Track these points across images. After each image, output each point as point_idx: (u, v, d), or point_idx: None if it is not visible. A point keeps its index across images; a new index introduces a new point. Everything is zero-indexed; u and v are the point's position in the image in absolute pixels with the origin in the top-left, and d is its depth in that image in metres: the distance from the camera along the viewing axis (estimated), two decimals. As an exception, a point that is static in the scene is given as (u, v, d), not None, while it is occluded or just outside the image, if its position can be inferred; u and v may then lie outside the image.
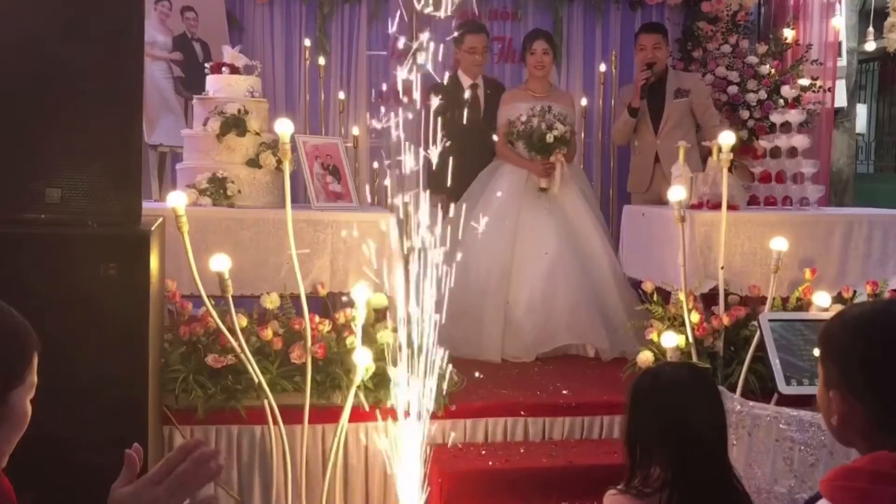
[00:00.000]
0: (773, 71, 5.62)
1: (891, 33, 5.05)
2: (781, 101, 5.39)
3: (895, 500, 1.24)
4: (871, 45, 5.45)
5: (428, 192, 3.14)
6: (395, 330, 3.31)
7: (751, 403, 2.11)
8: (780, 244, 3.43)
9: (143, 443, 2.58)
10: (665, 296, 3.90)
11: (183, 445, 1.21)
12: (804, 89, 5.45)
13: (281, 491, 3.26)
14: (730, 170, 3.82)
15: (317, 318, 3.38)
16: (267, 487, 3.32)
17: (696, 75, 5.45)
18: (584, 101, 5.70)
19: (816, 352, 1.50)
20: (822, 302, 3.50)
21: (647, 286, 3.88)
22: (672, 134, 4.86)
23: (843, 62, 6.27)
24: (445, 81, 4.54)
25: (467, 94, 5.06)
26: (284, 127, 3.10)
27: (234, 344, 3.15)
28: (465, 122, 4.19)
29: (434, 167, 3.24)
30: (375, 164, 5.39)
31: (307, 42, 5.61)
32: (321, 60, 5.53)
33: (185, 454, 1.20)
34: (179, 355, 3.34)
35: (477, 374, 3.88)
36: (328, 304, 3.64)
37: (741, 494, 1.92)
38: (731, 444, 2.01)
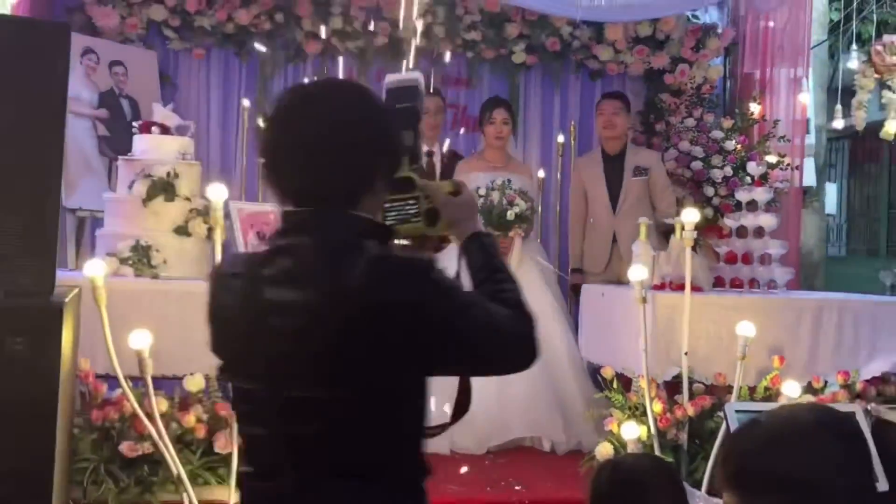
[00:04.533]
0: (738, 146, 5.81)
1: (858, 111, 5.29)
2: (748, 178, 5.56)
3: None
4: (839, 123, 5.68)
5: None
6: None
7: (715, 501, 2.13)
8: (746, 329, 3.50)
9: (45, 541, 2.50)
10: (626, 383, 3.93)
11: None
12: (771, 166, 5.63)
13: None
14: (694, 249, 3.92)
15: (246, 403, 3.33)
16: None
17: (655, 153, 5.62)
18: (541, 173, 5.82)
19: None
20: (792, 392, 3.56)
21: (607, 372, 3.91)
22: (630, 213, 5.00)
23: (811, 139, 6.52)
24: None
25: (423, 162, 5.14)
26: (217, 192, 3.11)
27: (152, 430, 3.08)
28: None
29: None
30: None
31: (246, 102, 5.67)
32: (261, 122, 5.58)
33: None
34: (91, 442, 3.27)
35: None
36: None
37: None
38: (694, 545, 2.02)
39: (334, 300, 1.47)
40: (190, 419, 3.29)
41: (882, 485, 3.31)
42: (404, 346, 1.49)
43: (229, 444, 3.20)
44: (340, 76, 5.69)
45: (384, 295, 1.47)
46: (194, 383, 3.40)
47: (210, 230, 3.67)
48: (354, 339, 1.47)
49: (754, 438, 1.43)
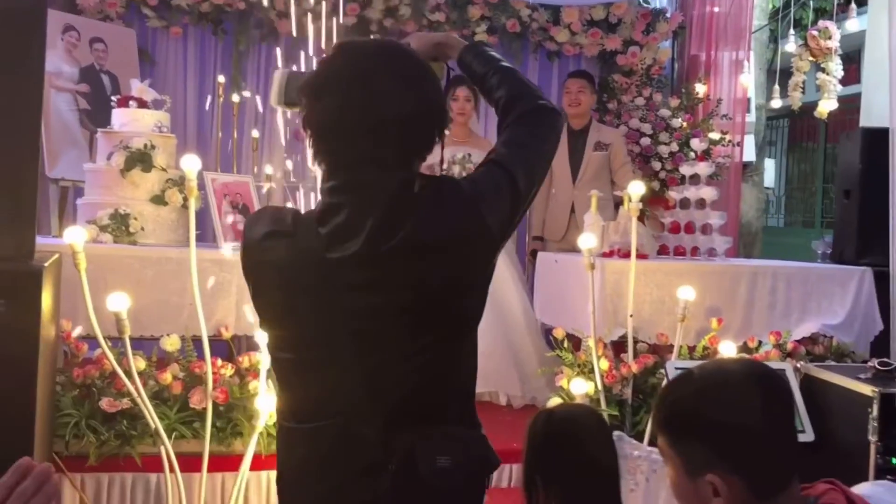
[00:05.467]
0: (684, 124, 5.84)
1: (794, 92, 5.33)
2: (692, 153, 5.61)
3: None
4: (777, 103, 5.73)
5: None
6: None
7: (648, 448, 2.16)
8: (687, 293, 3.54)
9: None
10: (576, 343, 3.97)
11: (16, 466, 1.16)
12: (714, 143, 5.68)
13: (176, 543, 3.17)
14: (642, 220, 3.94)
15: (219, 362, 3.32)
16: (162, 540, 3.23)
17: (617, 131, 5.63)
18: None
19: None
20: (728, 351, 3.62)
21: (558, 333, 3.94)
22: (589, 185, 5.01)
23: (751, 118, 6.58)
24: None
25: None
26: (191, 163, 3.08)
27: (130, 387, 3.06)
28: None
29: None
30: (289, 204, 5.37)
31: (221, 78, 5.60)
32: (235, 98, 5.52)
33: (20, 475, 1.15)
34: (72, 399, 3.24)
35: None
36: (232, 347, 3.59)
37: None
38: (630, 489, 2.04)
39: (399, 246, 1.46)
40: (167, 377, 3.27)
41: (808, 436, 3.40)
42: (480, 252, 1.53)
43: (203, 399, 3.19)
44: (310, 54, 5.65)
45: (440, 227, 1.49)
46: (171, 343, 3.38)
47: (185, 199, 3.64)
48: (428, 277, 1.48)
49: (685, 387, 1.45)
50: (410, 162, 1.57)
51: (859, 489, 1.41)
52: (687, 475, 1.38)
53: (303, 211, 1.64)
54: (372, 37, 5.60)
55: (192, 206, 3.19)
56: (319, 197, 1.58)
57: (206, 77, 6.00)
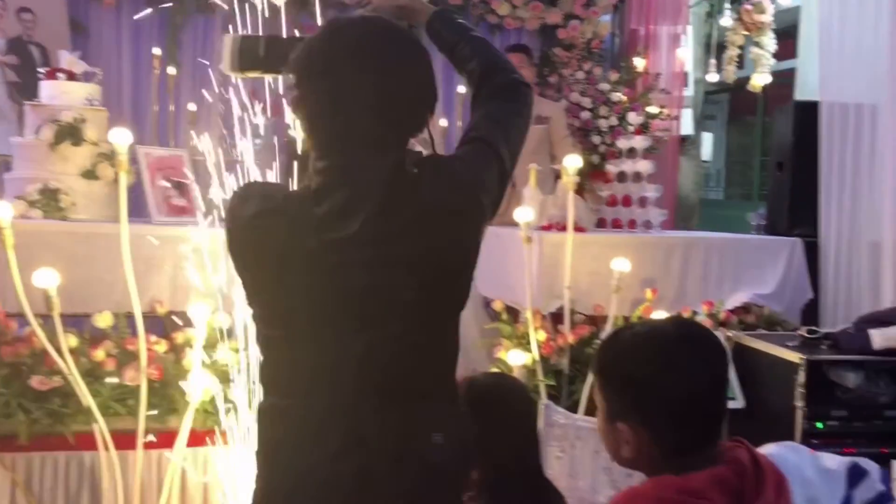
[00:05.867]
0: (624, 98, 5.87)
1: (729, 66, 5.42)
2: (630, 127, 5.66)
3: None
4: (713, 77, 5.81)
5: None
6: (236, 350, 3.27)
7: (574, 416, 2.20)
8: (621, 265, 3.60)
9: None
10: (516, 315, 4.01)
11: None
12: (651, 117, 5.72)
13: (112, 522, 3.14)
14: (581, 194, 3.97)
15: (152, 338, 3.28)
16: (97, 518, 3.19)
17: (558, 104, 5.64)
18: (444, 122, 5.81)
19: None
20: (662, 321, 3.69)
21: (497, 305, 3.97)
22: (529, 158, 5.00)
23: (689, 92, 6.66)
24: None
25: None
26: (120, 137, 3.02)
27: (62, 365, 3.02)
28: None
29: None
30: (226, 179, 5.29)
31: (157, 51, 5.48)
32: (171, 70, 5.41)
33: None
34: (1, 378, 3.17)
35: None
36: (167, 324, 3.54)
37: (555, 494, 2.00)
38: (555, 457, 2.08)
39: (397, 227, 1.47)
40: (99, 354, 3.23)
41: (738, 402, 3.50)
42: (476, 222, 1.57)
43: (137, 376, 3.15)
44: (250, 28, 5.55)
45: (440, 208, 1.50)
46: (103, 319, 3.33)
47: (117, 174, 3.57)
48: (430, 254, 1.49)
49: (620, 338, 1.51)
50: (405, 142, 1.57)
51: (765, 449, 1.46)
52: (607, 418, 1.45)
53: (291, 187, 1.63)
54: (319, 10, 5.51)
55: (123, 180, 3.14)
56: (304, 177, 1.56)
57: (142, 49, 5.87)
